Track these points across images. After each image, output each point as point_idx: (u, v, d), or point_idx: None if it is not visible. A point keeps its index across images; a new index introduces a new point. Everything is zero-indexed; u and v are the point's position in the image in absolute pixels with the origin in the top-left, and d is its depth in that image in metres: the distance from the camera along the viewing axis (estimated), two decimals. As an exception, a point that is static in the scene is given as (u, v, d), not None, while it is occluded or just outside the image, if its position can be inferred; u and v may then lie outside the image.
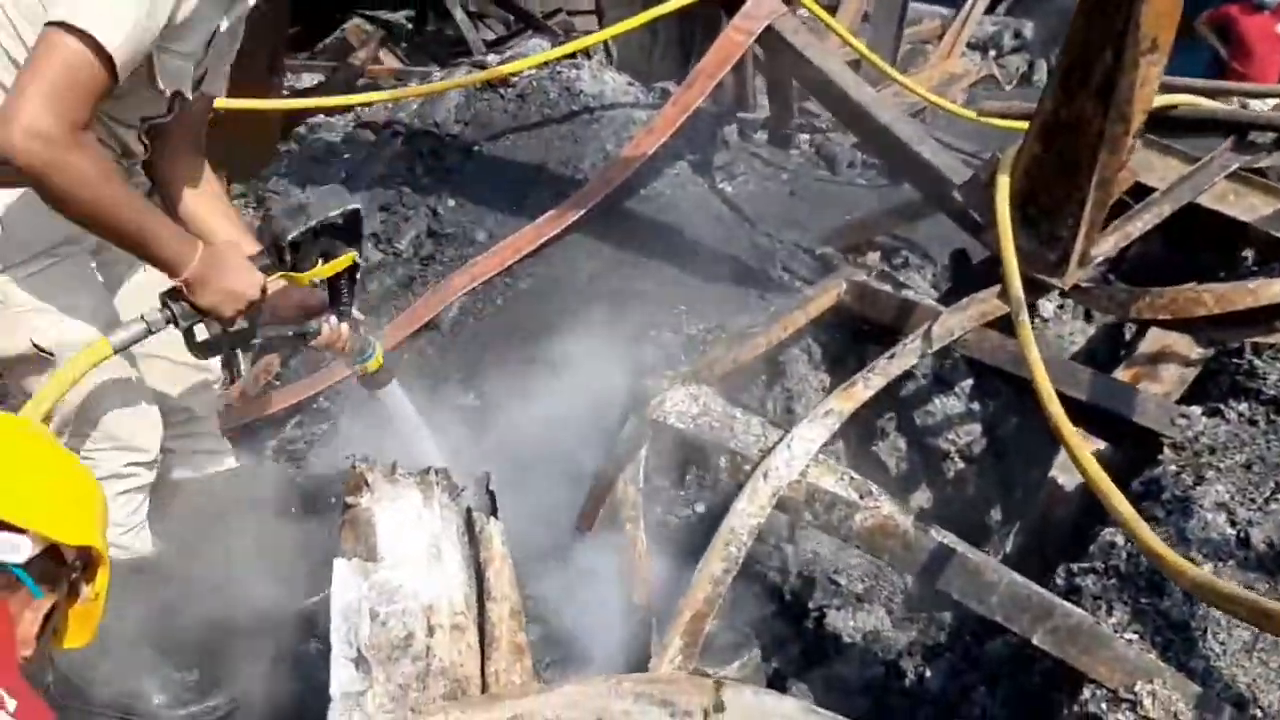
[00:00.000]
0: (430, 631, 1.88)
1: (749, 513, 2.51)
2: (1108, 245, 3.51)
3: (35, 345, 2.21)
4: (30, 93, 1.88)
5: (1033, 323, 3.60)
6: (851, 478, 2.70)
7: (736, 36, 3.97)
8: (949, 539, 2.56)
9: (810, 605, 3.11)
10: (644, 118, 4.40)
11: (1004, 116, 4.45)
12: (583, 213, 3.91)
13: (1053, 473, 3.17)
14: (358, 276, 2.42)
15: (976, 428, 3.84)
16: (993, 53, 10.15)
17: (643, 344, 3.53)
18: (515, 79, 4.46)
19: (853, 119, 3.94)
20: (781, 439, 2.66)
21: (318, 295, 2.40)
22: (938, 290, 4.37)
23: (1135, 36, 2.75)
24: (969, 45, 9.27)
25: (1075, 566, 2.64)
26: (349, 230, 2.30)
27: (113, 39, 1.91)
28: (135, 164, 2.41)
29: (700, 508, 2.96)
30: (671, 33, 6.40)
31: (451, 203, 4.17)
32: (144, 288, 2.45)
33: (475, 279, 3.76)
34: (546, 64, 4.45)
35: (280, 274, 2.25)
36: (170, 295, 2.16)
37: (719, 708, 1.82)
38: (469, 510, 2.09)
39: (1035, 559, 3.00)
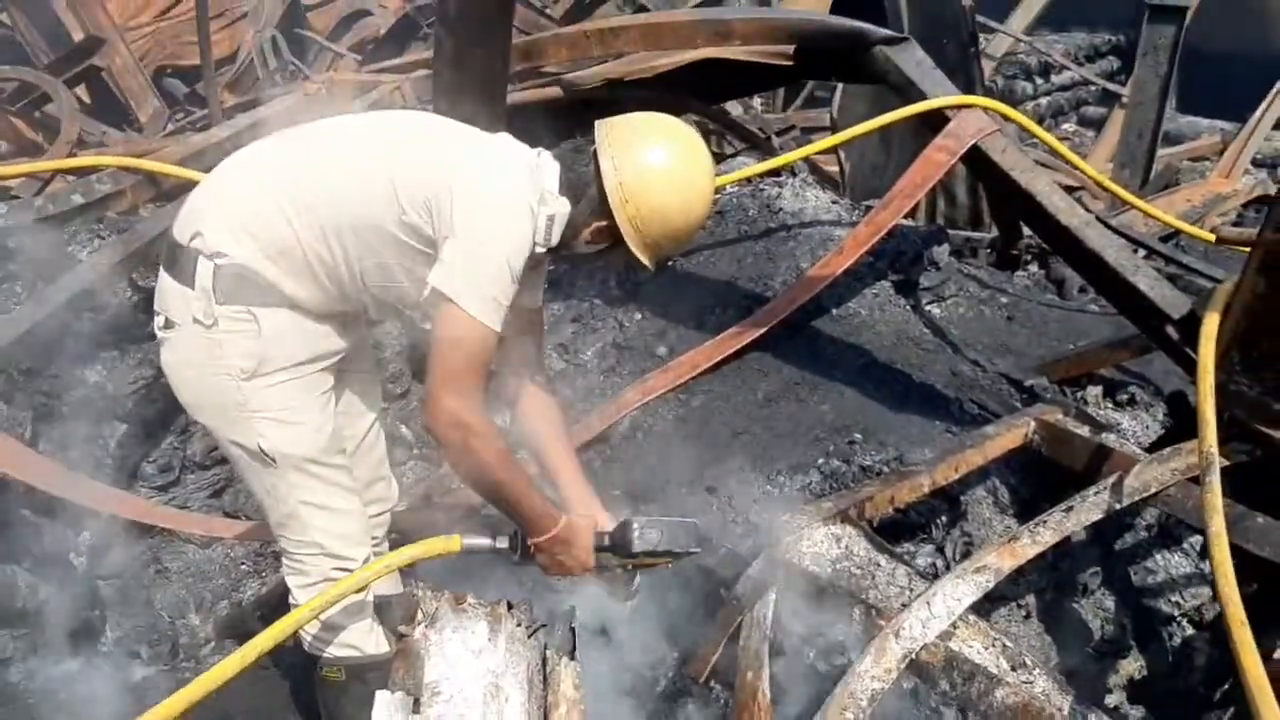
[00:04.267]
0: (478, 778, 1.77)
1: (872, 674, 2.26)
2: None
3: (260, 449, 2.40)
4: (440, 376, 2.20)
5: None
6: (1005, 646, 2.40)
7: (938, 156, 3.76)
8: (1109, 729, 2.22)
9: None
10: (843, 236, 4.25)
11: (1245, 243, 3.99)
12: (762, 332, 3.78)
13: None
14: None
15: (1207, 591, 3.41)
16: (1283, 169, 9.33)
17: (809, 472, 3.34)
18: (717, 196, 4.42)
19: (1062, 244, 3.64)
20: (923, 593, 2.40)
21: (615, 573, 2.54)
22: (1165, 430, 3.93)
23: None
24: (1254, 163, 8.55)
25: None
26: (682, 556, 2.46)
27: (496, 321, 2.21)
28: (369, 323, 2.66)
29: (837, 663, 2.71)
30: (905, 153, 6.23)
31: (638, 316, 4.15)
32: (366, 394, 2.77)
33: (648, 394, 3.70)
34: (749, 180, 4.38)
35: (606, 556, 2.45)
36: (521, 536, 2.42)
37: None
38: (545, 648, 1.97)
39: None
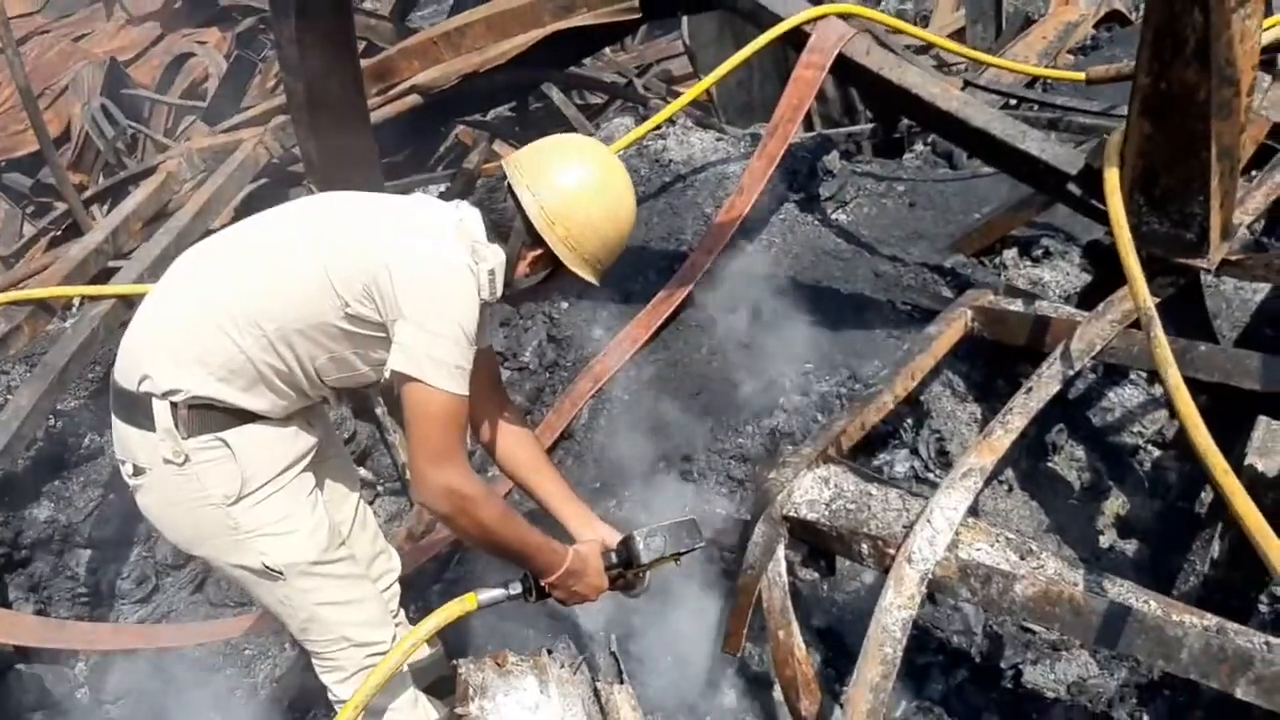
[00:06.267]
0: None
1: (898, 605, 2.35)
2: (1255, 203, 3.18)
3: (265, 566, 2.40)
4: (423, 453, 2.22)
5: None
6: (1008, 538, 2.50)
7: (808, 74, 3.80)
8: (1124, 590, 2.34)
9: (1003, 664, 2.91)
10: (738, 171, 4.28)
11: (1117, 78, 4.11)
12: (689, 289, 3.81)
13: (1249, 459, 2.89)
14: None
15: (1163, 413, 3.55)
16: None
17: (774, 414, 3.41)
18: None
19: (947, 128, 3.71)
20: (921, 513, 2.49)
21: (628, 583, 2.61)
22: (1090, 275, 4.06)
23: (1219, -5, 2.47)
24: (1090, -24, 8.73)
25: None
26: (687, 554, 2.54)
27: (462, 387, 2.24)
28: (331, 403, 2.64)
29: (858, 595, 2.80)
30: (766, 61, 6.26)
31: (564, 304, 4.15)
32: (344, 476, 2.80)
33: (598, 380, 3.72)
34: (634, 143, 4.38)
35: (617, 573, 2.51)
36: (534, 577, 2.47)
37: None
38: (594, 681, 2.02)
39: (1249, 555, 2.73)
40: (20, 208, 9.36)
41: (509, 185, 2.34)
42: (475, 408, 2.58)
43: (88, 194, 7.17)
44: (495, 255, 2.35)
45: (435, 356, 2.18)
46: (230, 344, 2.27)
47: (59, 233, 6.99)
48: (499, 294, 2.37)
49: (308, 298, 2.26)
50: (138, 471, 2.37)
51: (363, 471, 4.69)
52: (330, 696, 2.56)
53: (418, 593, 3.55)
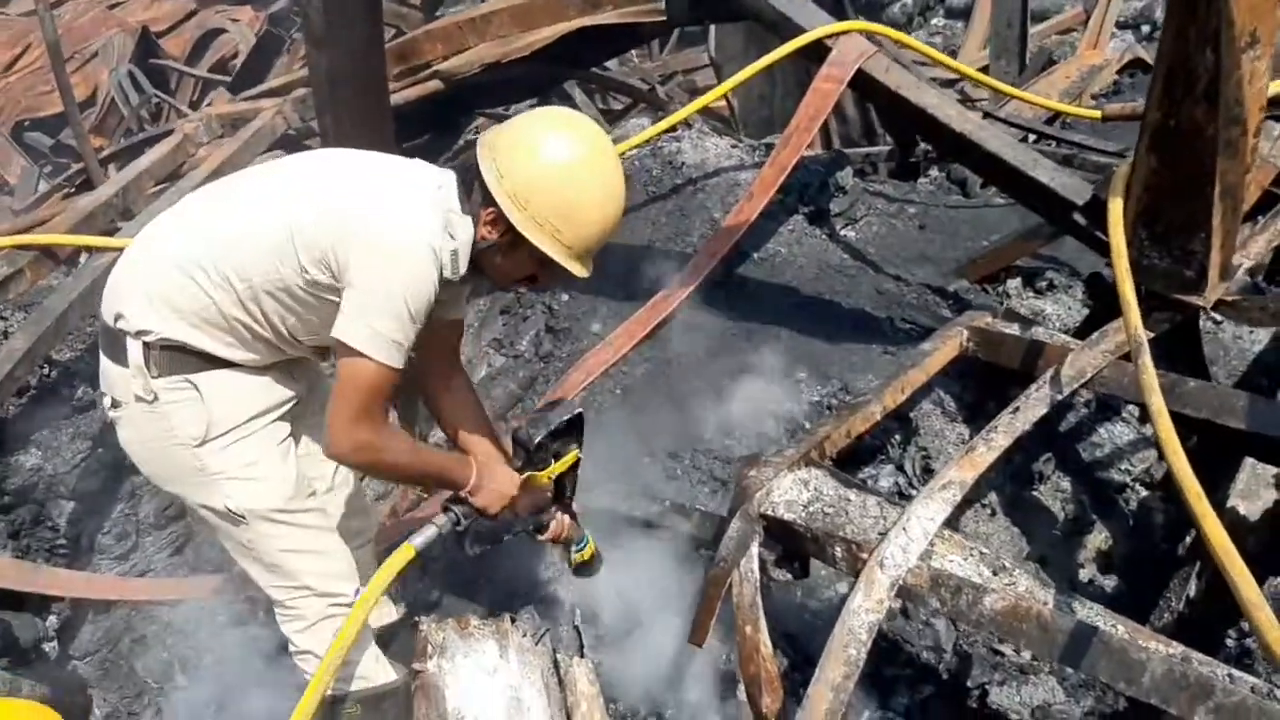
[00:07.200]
0: (518, 789, 1.82)
1: (866, 608, 2.35)
2: (1257, 247, 3.18)
3: (228, 509, 2.42)
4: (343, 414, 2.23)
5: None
6: (982, 553, 2.50)
7: (826, 86, 3.82)
8: (1092, 612, 2.33)
9: (970, 684, 2.90)
10: (749, 179, 4.30)
11: (1131, 117, 4.12)
12: (690, 290, 3.83)
13: (1231, 501, 2.89)
14: (578, 473, 2.73)
15: (1153, 453, 3.55)
16: (1146, 28, 9.55)
17: (763, 420, 3.42)
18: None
19: (961, 151, 3.73)
20: (897, 520, 2.49)
21: (547, 493, 2.66)
22: (1089, 309, 4.06)
23: (1231, 33, 2.49)
24: (1119, 26, 8.74)
25: (1246, 625, 2.36)
26: (576, 430, 2.66)
27: (397, 360, 2.23)
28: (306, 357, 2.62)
29: (828, 600, 2.80)
30: (788, 78, 6.29)
31: (565, 297, 4.16)
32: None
33: (591, 373, 3.72)
34: (648, 142, 4.40)
35: (528, 474, 2.58)
36: (451, 501, 2.55)
37: None
38: (555, 652, 2.02)
39: (1224, 592, 2.73)
40: (39, 166, 9.41)
41: (477, 150, 2.27)
42: (430, 366, 2.63)
43: (105, 153, 7.21)
44: (465, 228, 2.28)
45: (375, 328, 2.17)
46: (203, 296, 2.28)
47: (73, 189, 7.02)
48: (462, 271, 2.30)
49: (273, 261, 2.25)
50: (115, 405, 2.40)
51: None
52: (291, 647, 2.56)
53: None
